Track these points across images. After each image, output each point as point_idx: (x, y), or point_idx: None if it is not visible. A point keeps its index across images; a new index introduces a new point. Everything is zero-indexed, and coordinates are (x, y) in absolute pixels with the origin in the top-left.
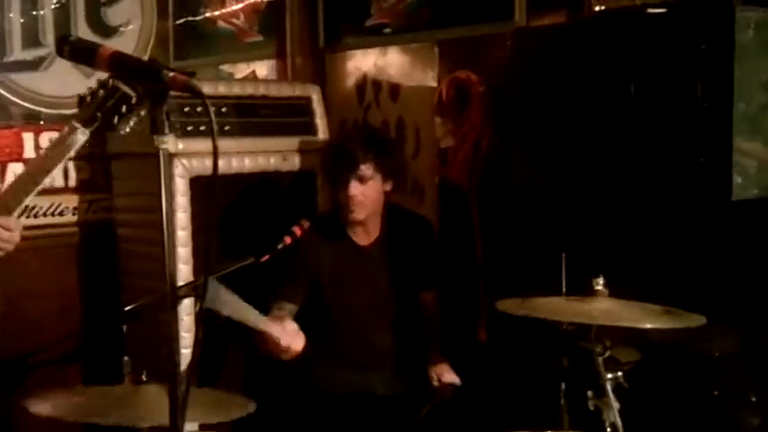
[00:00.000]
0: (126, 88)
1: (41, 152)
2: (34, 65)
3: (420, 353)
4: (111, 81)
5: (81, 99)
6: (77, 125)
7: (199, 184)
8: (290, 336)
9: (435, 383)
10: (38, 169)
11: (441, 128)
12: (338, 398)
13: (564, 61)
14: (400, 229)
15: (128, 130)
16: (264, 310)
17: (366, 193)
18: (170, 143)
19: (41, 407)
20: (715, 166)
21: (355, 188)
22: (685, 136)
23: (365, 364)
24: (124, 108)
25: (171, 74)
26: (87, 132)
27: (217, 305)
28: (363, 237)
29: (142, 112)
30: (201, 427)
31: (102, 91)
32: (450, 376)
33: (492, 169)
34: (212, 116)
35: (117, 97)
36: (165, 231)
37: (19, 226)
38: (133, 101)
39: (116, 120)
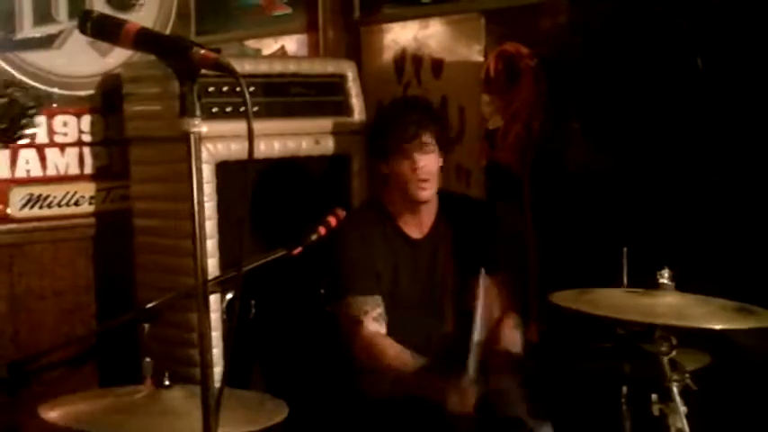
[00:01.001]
0: (24, 99)
1: None
2: (47, 42)
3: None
4: (10, 89)
5: None
6: None
7: (224, 170)
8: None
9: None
10: None
11: (488, 107)
12: (389, 404)
13: (624, 32)
14: (456, 217)
15: (27, 140)
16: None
17: (430, 164)
18: (200, 125)
19: (54, 414)
20: None
21: (421, 159)
22: (759, 116)
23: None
24: (23, 120)
25: (201, 51)
26: None
27: None
28: (415, 228)
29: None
30: None
31: (2, 99)
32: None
33: (545, 152)
34: (247, 96)
35: (16, 108)
36: (197, 223)
37: None
38: (31, 111)
39: (17, 133)
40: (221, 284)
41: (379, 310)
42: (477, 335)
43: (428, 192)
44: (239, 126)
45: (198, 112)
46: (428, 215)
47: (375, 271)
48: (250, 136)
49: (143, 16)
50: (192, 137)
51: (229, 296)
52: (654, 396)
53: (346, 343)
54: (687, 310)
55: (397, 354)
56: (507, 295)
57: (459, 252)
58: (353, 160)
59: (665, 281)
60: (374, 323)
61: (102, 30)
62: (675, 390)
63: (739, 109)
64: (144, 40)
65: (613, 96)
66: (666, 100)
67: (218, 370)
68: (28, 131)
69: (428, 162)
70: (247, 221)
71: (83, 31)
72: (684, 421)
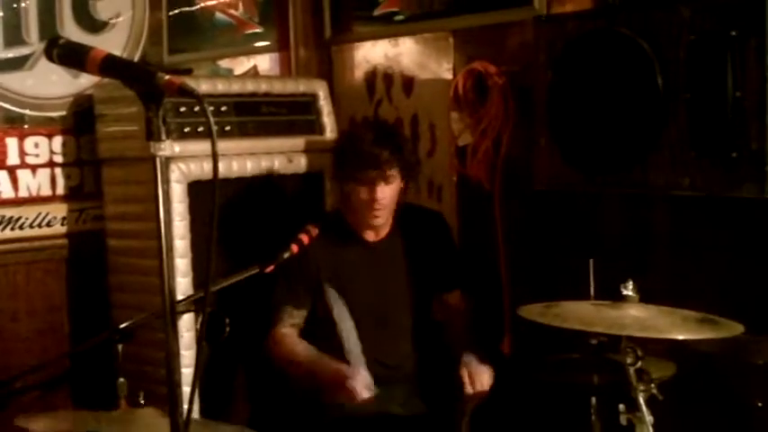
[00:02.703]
0: None
1: None
2: (18, 64)
3: (442, 365)
4: None
5: None
6: None
7: (197, 190)
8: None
9: (468, 390)
10: None
11: (458, 124)
12: (351, 419)
13: (589, 51)
14: (412, 225)
15: None
16: (269, 317)
17: (390, 194)
18: (167, 148)
19: (32, 424)
20: (749, 161)
21: (382, 191)
22: (716, 129)
23: (382, 378)
24: None
25: (166, 77)
26: None
27: None
28: (372, 234)
29: None
30: None
31: None
32: (480, 374)
33: (515, 168)
34: (211, 119)
35: None
36: (164, 244)
37: None
38: None
39: None
40: (195, 303)
41: (298, 320)
42: None
43: (381, 219)
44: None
45: (164, 136)
46: (384, 226)
47: (305, 285)
48: (214, 157)
49: (114, 37)
50: (157, 160)
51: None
52: (621, 406)
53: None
54: (651, 322)
55: (298, 348)
56: (465, 309)
57: (413, 261)
58: (326, 178)
59: (630, 293)
60: (289, 328)
61: (69, 57)
62: (642, 399)
63: (697, 122)
64: (110, 66)
65: (579, 113)
66: (629, 115)
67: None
68: None
69: (388, 193)
70: (215, 240)
71: (49, 58)
72: (651, 430)
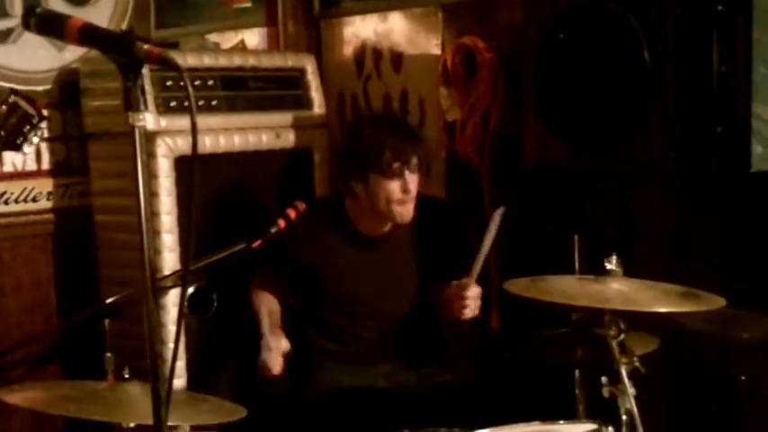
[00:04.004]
0: (27, 106)
1: None
2: (2, 37)
3: (436, 343)
4: (12, 97)
5: None
6: None
7: (184, 165)
8: (278, 357)
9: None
10: None
11: (446, 99)
12: (338, 395)
13: (578, 26)
14: (423, 219)
15: (29, 150)
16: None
17: (417, 184)
18: (149, 120)
19: (17, 397)
20: (733, 135)
21: (413, 181)
22: (702, 103)
23: (369, 358)
24: (26, 127)
25: (146, 47)
26: None
27: None
28: (372, 227)
29: (41, 131)
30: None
31: (3, 107)
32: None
33: (503, 144)
34: (191, 91)
35: (19, 115)
36: (143, 217)
37: None
38: (34, 120)
39: (19, 140)
40: (182, 278)
41: (274, 279)
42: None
43: (410, 214)
44: (199, 120)
45: (143, 107)
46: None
47: (286, 274)
48: (194, 131)
49: (100, 10)
50: (136, 131)
51: (191, 290)
52: (604, 379)
53: None
54: (634, 295)
55: (261, 298)
56: None
57: (417, 256)
58: (314, 153)
59: (613, 267)
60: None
61: (46, 25)
62: (624, 372)
63: (682, 96)
64: (88, 35)
65: (568, 89)
66: (617, 90)
67: (180, 364)
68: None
69: (416, 183)
70: (193, 216)
71: (27, 27)
72: (633, 402)
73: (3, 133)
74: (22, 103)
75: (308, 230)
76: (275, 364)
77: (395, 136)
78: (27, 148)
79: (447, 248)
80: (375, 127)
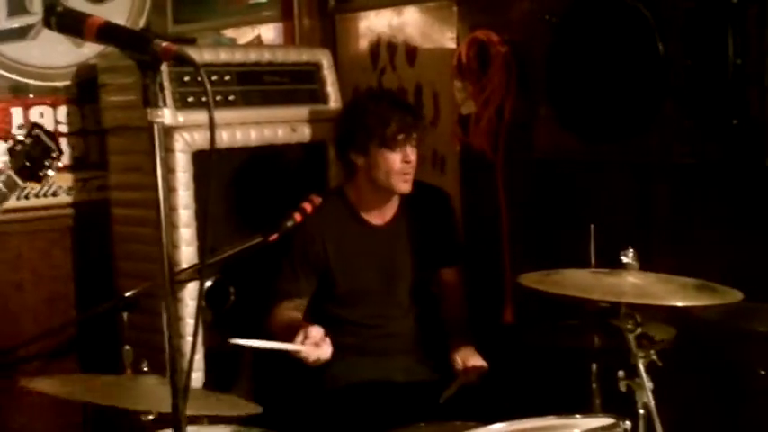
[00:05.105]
0: (48, 140)
1: None
2: (21, 34)
3: (442, 336)
4: (35, 130)
5: (11, 149)
6: (13, 175)
7: (201, 159)
8: (315, 347)
9: (459, 368)
10: None
11: (461, 93)
12: (355, 388)
13: (590, 19)
14: (417, 204)
15: (49, 179)
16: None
17: (416, 157)
18: (167, 116)
19: (40, 384)
20: (748, 128)
21: (413, 153)
22: (717, 96)
23: (384, 350)
24: (47, 160)
25: (163, 44)
26: (22, 184)
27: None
28: (377, 216)
29: (57, 163)
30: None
31: (28, 140)
32: (475, 360)
33: (517, 136)
34: (208, 87)
35: (41, 148)
36: (162, 212)
37: None
38: (54, 153)
39: (42, 171)
40: (199, 272)
41: (298, 305)
42: None
43: (409, 185)
44: (216, 115)
45: (161, 103)
46: (392, 206)
47: (306, 271)
48: (211, 126)
49: (118, 7)
50: (155, 126)
51: (208, 284)
52: (621, 372)
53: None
54: (650, 288)
55: (287, 318)
56: (460, 284)
57: (418, 242)
58: (329, 147)
59: (629, 260)
60: (289, 311)
61: (66, 24)
62: (641, 366)
63: (697, 89)
64: (107, 33)
65: (580, 82)
66: (631, 83)
67: (198, 357)
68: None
69: (415, 157)
70: (210, 211)
71: (47, 26)
72: (650, 396)
73: (28, 164)
74: (44, 138)
75: (317, 223)
76: (323, 352)
77: (399, 110)
78: (44, 179)
79: (445, 233)
80: (379, 101)
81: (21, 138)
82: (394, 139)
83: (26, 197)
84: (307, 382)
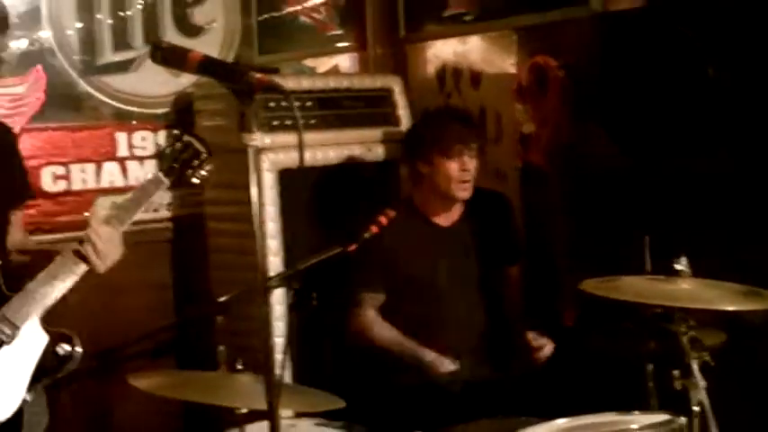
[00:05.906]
0: (198, 144)
1: (129, 195)
2: (124, 66)
3: (504, 336)
4: (184, 136)
5: (161, 152)
6: (161, 176)
7: (286, 177)
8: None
9: (534, 343)
10: (126, 208)
11: (522, 114)
12: (426, 386)
13: (642, 45)
14: (480, 207)
15: (198, 180)
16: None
17: (475, 167)
18: (258, 139)
19: (143, 382)
20: None
21: (471, 162)
22: (765, 116)
23: (457, 349)
24: (196, 162)
25: (256, 75)
26: (168, 182)
27: None
28: (444, 218)
29: (208, 167)
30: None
31: (178, 144)
32: (544, 339)
33: (573, 153)
34: (297, 113)
35: (190, 152)
36: (257, 228)
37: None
38: (203, 156)
39: (189, 172)
40: (287, 280)
41: (376, 303)
42: None
43: (468, 192)
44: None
45: (255, 128)
46: (456, 209)
47: (383, 271)
48: (300, 146)
49: (211, 40)
50: (250, 150)
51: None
52: (676, 372)
53: (346, 324)
54: (702, 294)
55: (383, 333)
56: (516, 284)
57: (483, 242)
58: (401, 165)
59: (683, 267)
60: (370, 310)
61: (170, 58)
62: (695, 366)
63: (745, 110)
64: (206, 66)
65: (633, 102)
66: (681, 105)
67: (287, 356)
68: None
69: (475, 165)
70: (306, 224)
71: (153, 60)
72: (704, 394)
73: (177, 166)
74: (194, 142)
75: (391, 231)
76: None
77: (457, 122)
78: (195, 180)
79: (507, 232)
80: (441, 116)
81: (171, 143)
82: (452, 148)
83: None
84: (382, 378)
